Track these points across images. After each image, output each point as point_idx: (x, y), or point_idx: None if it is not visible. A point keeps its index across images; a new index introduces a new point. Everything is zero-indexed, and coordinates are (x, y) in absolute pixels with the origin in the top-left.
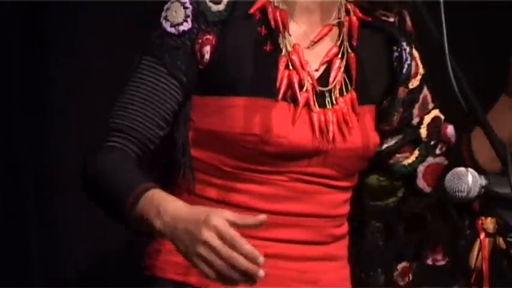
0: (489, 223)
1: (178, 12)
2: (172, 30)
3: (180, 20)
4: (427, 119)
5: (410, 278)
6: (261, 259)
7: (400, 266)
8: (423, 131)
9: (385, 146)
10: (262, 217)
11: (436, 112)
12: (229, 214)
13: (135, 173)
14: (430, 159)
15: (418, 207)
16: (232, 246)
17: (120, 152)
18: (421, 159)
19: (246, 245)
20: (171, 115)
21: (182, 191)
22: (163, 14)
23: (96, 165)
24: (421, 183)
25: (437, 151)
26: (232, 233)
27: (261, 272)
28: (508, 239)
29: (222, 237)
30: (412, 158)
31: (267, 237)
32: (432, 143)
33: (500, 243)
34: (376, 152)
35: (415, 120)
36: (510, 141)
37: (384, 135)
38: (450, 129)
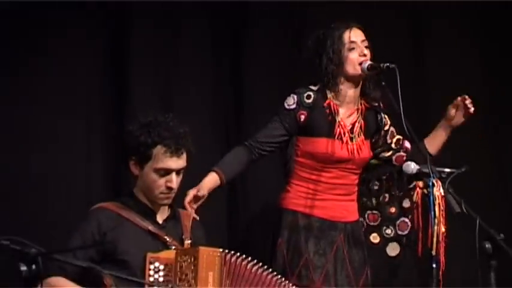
0: (420, 183)
1: (290, 100)
2: (287, 107)
3: (291, 103)
4: (394, 140)
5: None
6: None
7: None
8: (393, 145)
9: (377, 151)
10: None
11: (398, 136)
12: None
13: (228, 161)
14: (397, 154)
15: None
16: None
17: (244, 148)
18: (393, 154)
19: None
20: (279, 143)
21: (293, 174)
22: (286, 100)
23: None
24: (394, 161)
25: (401, 151)
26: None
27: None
28: (427, 190)
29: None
30: (389, 154)
31: (333, 193)
32: (398, 148)
33: (425, 191)
34: (373, 155)
35: (389, 141)
36: (439, 145)
37: (377, 149)
38: (406, 143)
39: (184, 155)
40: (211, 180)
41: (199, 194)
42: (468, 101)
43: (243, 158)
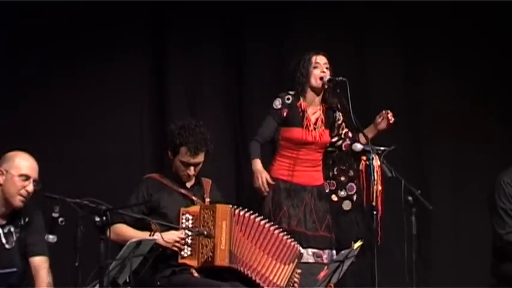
0: (364, 157)
1: (277, 102)
2: (275, 107)
3: (278, 104)
4: (343, 131)
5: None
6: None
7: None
8: (342, 135)
9: (332, 140)
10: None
11: (346, 130)
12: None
13: (257, 151)
14: (344, 142)
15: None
16: None
17: (256, 142)
18: (342, 142)
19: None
20: (273, 132)
21: (277, 153)
22: (273, 102)
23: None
24: (342, 147)
25: (347, 139)
26: None
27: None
28: (369, 161)
29: None
30: (340, 142)
31: (303, 165)
32: (345, 138)
33: (367, 163)
34: (330, 141)
35: (340, 132)
36: (373, 134)
37: (333, 138)
38: (350, 134)
39: (201, 154)
40: (260, 164)
41: (269, 180)
42: (390, 115)
43: (259, 147)
